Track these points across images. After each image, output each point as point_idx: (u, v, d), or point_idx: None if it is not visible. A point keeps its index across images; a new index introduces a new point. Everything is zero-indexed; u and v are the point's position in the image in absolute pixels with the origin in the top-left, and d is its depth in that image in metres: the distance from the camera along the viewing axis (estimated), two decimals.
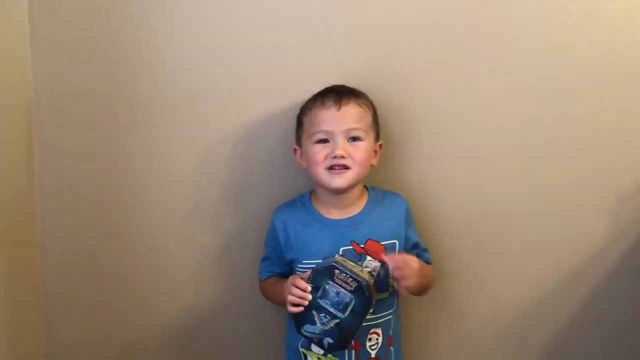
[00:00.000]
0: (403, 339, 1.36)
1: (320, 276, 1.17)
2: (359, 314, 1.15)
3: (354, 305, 1.15)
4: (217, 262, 1.46)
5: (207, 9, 1.35)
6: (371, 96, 1.32)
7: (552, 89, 1.39)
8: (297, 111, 1.33)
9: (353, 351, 1.25)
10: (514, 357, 1.52)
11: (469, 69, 1.39)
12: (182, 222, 1.44)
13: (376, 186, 1.36)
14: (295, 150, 1.33)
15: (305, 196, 1.34)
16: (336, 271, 1.16)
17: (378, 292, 1.21)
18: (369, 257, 1.24)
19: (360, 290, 1.15)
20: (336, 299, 1.16)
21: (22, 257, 1.40)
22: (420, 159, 1.42)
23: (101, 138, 1.41)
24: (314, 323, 1.18)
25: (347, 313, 1.16)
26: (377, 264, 1.23)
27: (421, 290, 1.30)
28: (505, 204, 1.44)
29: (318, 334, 1.18)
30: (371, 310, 1.18)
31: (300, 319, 1.19)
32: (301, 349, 1.29)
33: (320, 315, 1.17)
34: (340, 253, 1.23)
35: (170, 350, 1.49)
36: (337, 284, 1.16)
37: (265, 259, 1.36)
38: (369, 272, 1.19)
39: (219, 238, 1.45)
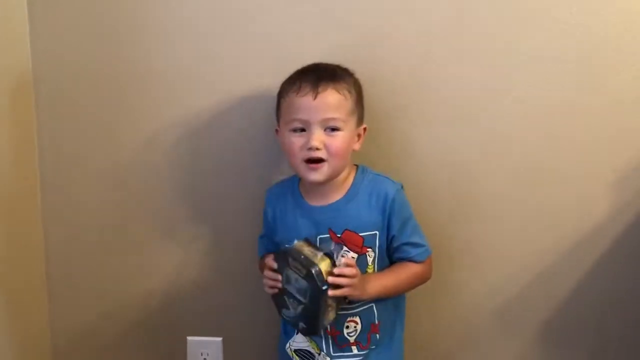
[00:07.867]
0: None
1: (280, 263, 1.17)
2: (317, 299, 1.12)
3: (310, 291, 1.13)
4: (208, 249, 1.50)
5: None
6: (363, 75, 1.26)
7: (558, 60, 1.32)
8: None
9: (330, 336, 1.26)
10: (512, 333, 1.48)
11: (468, 45, 1.33)
12: (174, 207, 1.48)
13: (368, 167, 1.29)
14: (277, 130, 1.28)
15: (295, 178, 1.31)
16: (289, 258, 1.14)
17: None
18: (345, 248, 1.21)
19: (310, 276, 1.11)
20: (296, 285, 1.15)
21: (24, 230, 1.49)
22: (414, 135, 1.38)
23: (96, 120, 1.46)
24: (288, 307, 1.19)
25: (307, 298, 1.14)
26: (353, 254, 1.20)
27: (390, 295, 1.26)
28: (505, 178, 1.39)
29: (293, 317, 1.19)
30: (345, 298, 1.16)
31: (278, 303, 1.21)
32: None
33: (290, 300, 1.18)
34: (304, 238, 1.19)
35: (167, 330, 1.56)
36: (293, 270, 1.14)
37: (262, 236, 1.38)
38: (325, 254, 1.13)
39: (214, 221, 1.49)
